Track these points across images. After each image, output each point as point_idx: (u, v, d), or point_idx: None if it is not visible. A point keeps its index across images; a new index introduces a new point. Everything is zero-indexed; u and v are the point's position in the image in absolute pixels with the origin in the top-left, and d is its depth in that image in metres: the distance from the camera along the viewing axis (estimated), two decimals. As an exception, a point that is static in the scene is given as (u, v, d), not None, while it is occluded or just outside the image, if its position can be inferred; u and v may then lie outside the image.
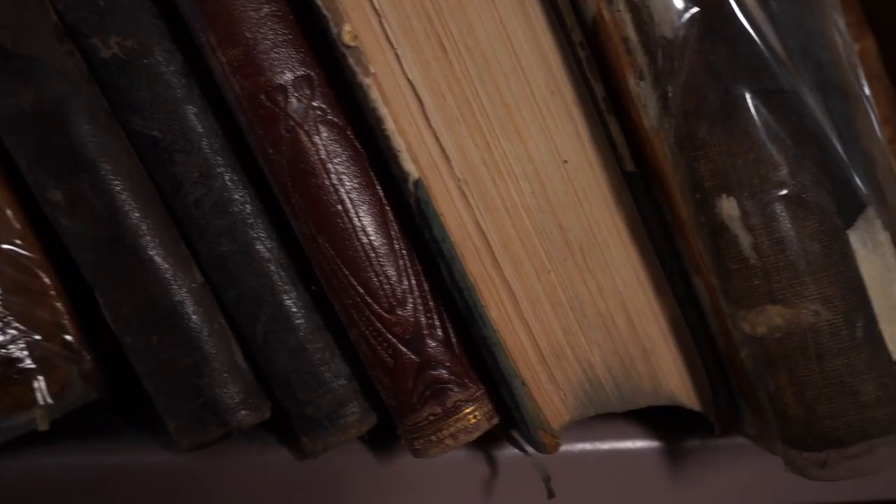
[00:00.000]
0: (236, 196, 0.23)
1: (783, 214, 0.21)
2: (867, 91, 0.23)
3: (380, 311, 0.22)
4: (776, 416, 0.22)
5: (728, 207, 0.21)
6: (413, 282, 0.23)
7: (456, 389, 0.23)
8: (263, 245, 0.23)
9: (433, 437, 0.23)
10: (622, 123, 0.23)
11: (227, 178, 0.23)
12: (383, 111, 0.21)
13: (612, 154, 0.23)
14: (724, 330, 0.23)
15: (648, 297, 0.24)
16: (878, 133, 0.22)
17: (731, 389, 0.25)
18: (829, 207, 0.21)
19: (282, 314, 0.23)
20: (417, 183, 0.22)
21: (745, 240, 0.21)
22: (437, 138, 0.22)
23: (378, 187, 0.23)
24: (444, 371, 0.23)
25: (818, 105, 0.21)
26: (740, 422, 0.25)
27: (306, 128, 0.22)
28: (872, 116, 0.22)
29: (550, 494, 0.24)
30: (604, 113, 0.23)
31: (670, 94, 0.21)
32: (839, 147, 0.21)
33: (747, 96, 0.21)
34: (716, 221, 0.21)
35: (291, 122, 0.22)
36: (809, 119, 0.21)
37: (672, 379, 0.24)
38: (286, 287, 0.23)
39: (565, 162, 0.23)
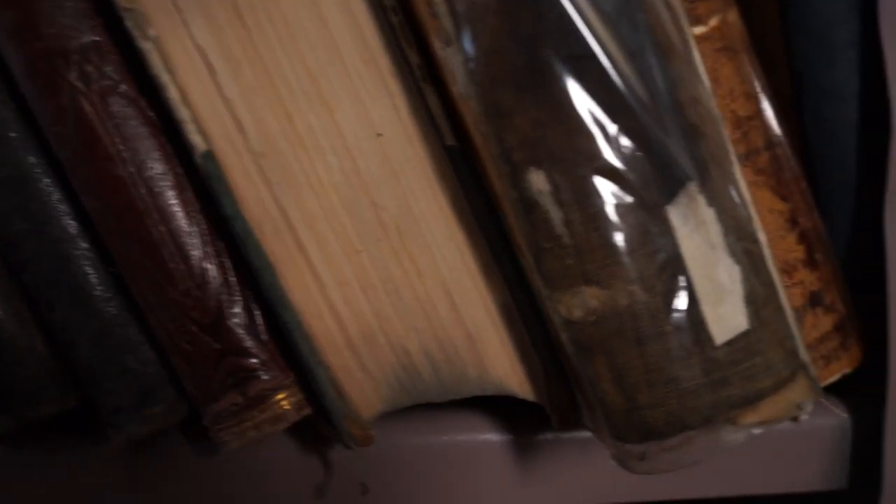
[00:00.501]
0: (29, 170, 0.22)
1: (596, 189, 0.20)
2: (697, 59, 0.21)
3: (176, 294, 0.21)
4: (598, 405, 0.21)
5: (538, 181, 0.20)
6: (214, 263, 0.21)
7: (261, 377, 0.21)
8: (60, 224, 0.22)
9: (236, 428, 0.21)
10: (439, 94, 0.21)
11: (19, 151, 0.22)
12: (165, 78, 0.20)
13: (432, 127, 0.22)
14: (549, 314, 0.22)
15: (475, 281, 0.22)
16: (710, 105, 0.21)
17: (568, 378, 0.23)
18: (647, 182, 0.20)
19: (82, 298, 0.22)
20: (206, 156, 0.20)
21: (556, 216, 0.20)
22: (230, 109, 0.20)
23: (176, 161, 0.21)
24: (247, 358, 0.21)
25: (635, 73, 0.20)
26: (580, 413, 0.24)
27: (92, 98, 0.20)
28: (704, 86, 0.21)
29: (363, 490, 0.23)
30: (420, 83, 0.21)
31: (474, 60, 0.20)
32: (659, 117, 0.20)
33: (555, 62, 0.19)
34: (526, 197, 0.20)
35: (75, 92, 0.20)
36: (585, 88, 0.19)
37: (501, 367, 0.23)
38: (86, 269, 0.22)
39: (380, 135, 0.22)
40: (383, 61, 0.21)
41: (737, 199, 0.21)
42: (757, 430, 0.21)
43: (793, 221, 0.26)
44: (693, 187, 0.20)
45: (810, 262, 0.26)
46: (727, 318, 0.20)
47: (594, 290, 0.20)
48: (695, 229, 0.20)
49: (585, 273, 0.20)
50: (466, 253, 0.22)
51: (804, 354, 0.22)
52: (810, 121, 0.27)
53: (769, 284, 0.21)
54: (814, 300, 0.26)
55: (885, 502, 0.26)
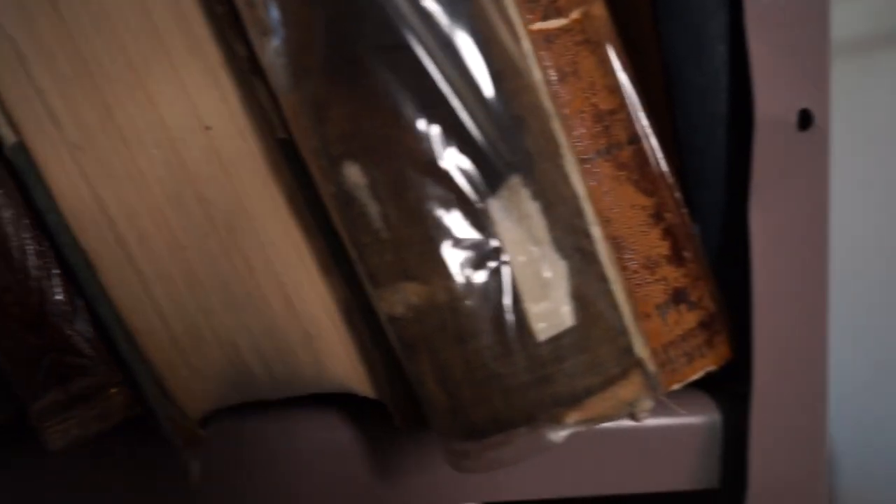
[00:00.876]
0: None
1: (413, 183, 0.19)
2: (528, 49, 0.21)
3: (-5, 289, 0.21)
4: (425, 403, 0.21)
5: (354, 175, 0.19)
6: (35, 257, 0.21)
7: (86, 374, 0.21)
8: None
9: (60, 426, 0.21)
10: (267, 86, 0.21)
11: None
12: (-31, 68, 0.19)
13: (265, 120, 0.21)
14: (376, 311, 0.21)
15: (312, 277, 0.22)
16: (539, 97, 0.21)
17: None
18: (467, 175, 0.19)
19: None
20: (16, 148, 0.20)
21: (373, 211, 0.19)
22: (43, 100, 0.20)
23: (-5, 155, 0.21)
24: (71, 354, 0.21)
25: (453, 64, 0.19)
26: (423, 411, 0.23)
27: None
28: (532, 77, 0.21)
29: (190, 488, 0.22)
30: (247, 75, 0.21)
31: (288, 51, 0.19)
32: (479, 109, 0.20)
33: (368, 54, 0.19)
34: (343, 191, 0.20)
35: None
36: (400, 80, 0.19)
37: (340, 364, 0.22)
38: (-89, 264, 0.22)
39: (208, 129, 0.21)
40: (212, 52, 0.21)
41: (567, 194, 0.21)
42: (582, 428, 0.20)
43: (657, 217, 0.26)
44: (516, 181, 0.20)
45: (676, 259, 0.26)
46: (551, 314, 0.20)
47: (414, 286, 0.20)
48: (518, 224, 0.20)
49: (405, 269, 0.20)
50: (303, 249, 0.22)
51: (641, 351, 0.21)
52: (680, 114, 0.27)
53: (602, 280, 0.21)
54: (678, 297, 0.26)
55: (752, 499, 0.26)
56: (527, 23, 0.24)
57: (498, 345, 0.20)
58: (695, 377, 0.26)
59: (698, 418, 0.27)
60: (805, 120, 0.26)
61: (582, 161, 0.25)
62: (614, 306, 0.21)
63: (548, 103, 0.21)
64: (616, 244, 0.25)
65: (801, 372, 0.26)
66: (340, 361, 0.22)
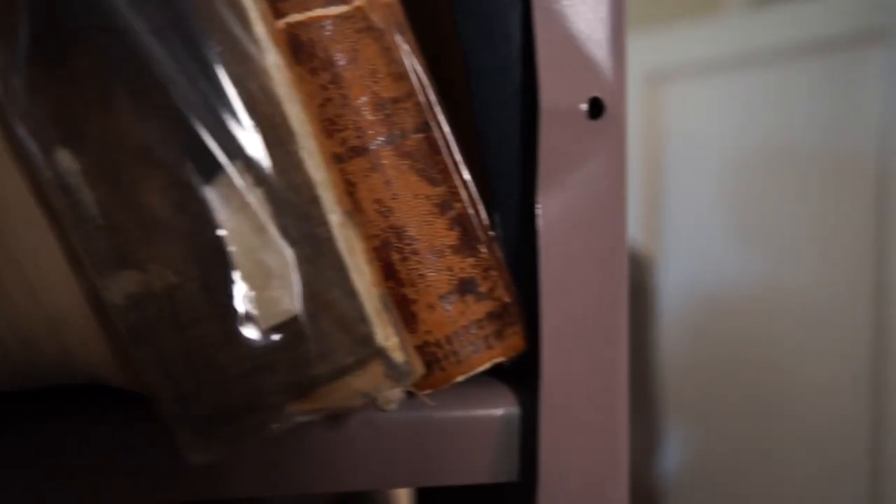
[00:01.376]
0: None
1: (125, 169, 0.19)
2: (261, 33, 0.20)
3: None
4: (153, 393, 0.20)
5: (66, 160, 0.19)
6: None
7: None
8: None
9: None
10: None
11: None
12: None
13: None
14: (113, 300, 0.21)
15: (58, 265, 0.22)
16: (269, 82, 0.20)
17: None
18: (181, 161, 0.19)
19: None
20: None
21: (88, 197, 0.19)
22: None
23: None
24: None
25: (164, 48, 0.19)
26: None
27: None
28: (264, 62, 0.20)
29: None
30: (-20, 60, 0.21)
31: (-6, 35, 0.19)
32: (195, 95, 0.19)
33: (75, 35, 0.19)
34: (57, 177, 0.19)
35: None
36: (107, 63, 0.18)
37: (92, 355, 0.22)
38: None
39: (-58, 115, 0.21)
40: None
41: (299, 181, 0.20)
42: (312, 418, 0.20)
43: (444, 206, 0.25)
44: (237, 167, 0.19)
45: (465, 249, 0.25)
46: (275, 302, 0.20)
47: (132, 274, 0.19)
48: (238, 211, 0.19)
49: (123, 256, 0.19)
50: (48, 236, 0.21)
51: (385, 341, 0.21)
52: (476, 103, 0.27)
53: (338, 269, 0.21)
54: (464, 287, 0.25)
55: (543, 493, 0.26)
56: (304, 9, 0.24)
57: (218, 333, 0.19)
58: (482, 369, 0.26)
59: (496, 411, 0.26)
60: (596, 109, 0.26)
61: (361, 150, 0.24)
62: (352, 295, 0.21)
63: (282, 89, 0.20)
64: (397, 233, 0.25)
65: (594, 364, 0.26)
66: (90, 351, 0.22)
